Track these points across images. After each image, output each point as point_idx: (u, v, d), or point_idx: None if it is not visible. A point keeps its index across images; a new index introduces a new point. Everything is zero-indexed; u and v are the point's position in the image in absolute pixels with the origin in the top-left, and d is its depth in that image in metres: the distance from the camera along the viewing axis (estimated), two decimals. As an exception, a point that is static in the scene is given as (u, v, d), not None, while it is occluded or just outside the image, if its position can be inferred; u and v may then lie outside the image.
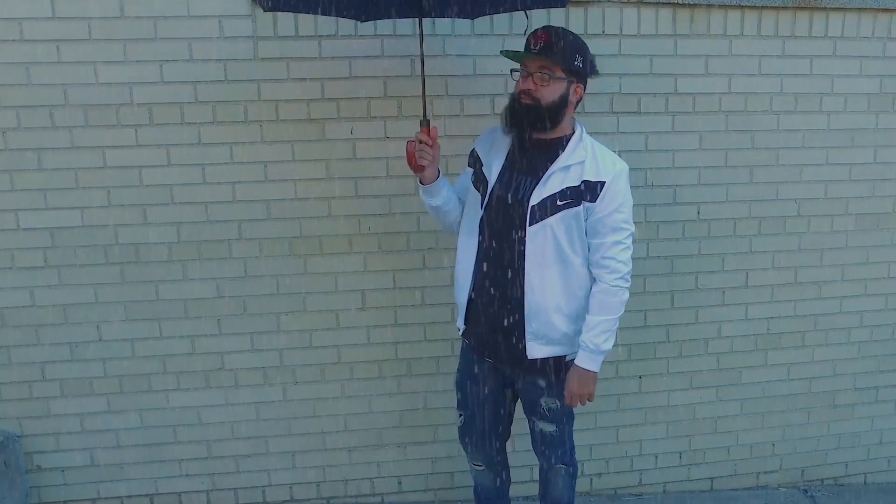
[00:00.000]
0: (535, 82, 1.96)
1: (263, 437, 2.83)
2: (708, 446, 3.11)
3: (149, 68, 2.44)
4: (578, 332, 2.07)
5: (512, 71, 2.08)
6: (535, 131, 2.01)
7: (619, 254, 2.00)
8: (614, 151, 2.12)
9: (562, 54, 1.94)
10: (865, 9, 2.72)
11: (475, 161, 2.19)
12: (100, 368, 2.68)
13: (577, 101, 2.03)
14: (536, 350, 2.09)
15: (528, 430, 2.34)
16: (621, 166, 2.03)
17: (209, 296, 2.66)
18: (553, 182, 2.00)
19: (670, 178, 2.78)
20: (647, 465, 3.10)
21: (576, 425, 2.96)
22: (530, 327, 2.07)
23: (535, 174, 2.02)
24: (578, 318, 2.08)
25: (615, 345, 2.89)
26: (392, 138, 2.56)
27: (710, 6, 2.65)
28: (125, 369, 2.69)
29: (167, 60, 2.45)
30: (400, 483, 2.96)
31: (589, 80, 2.06)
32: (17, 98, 2.42)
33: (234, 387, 2.76)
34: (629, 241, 2.03)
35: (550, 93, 1.95)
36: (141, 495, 2.82)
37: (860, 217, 2.94)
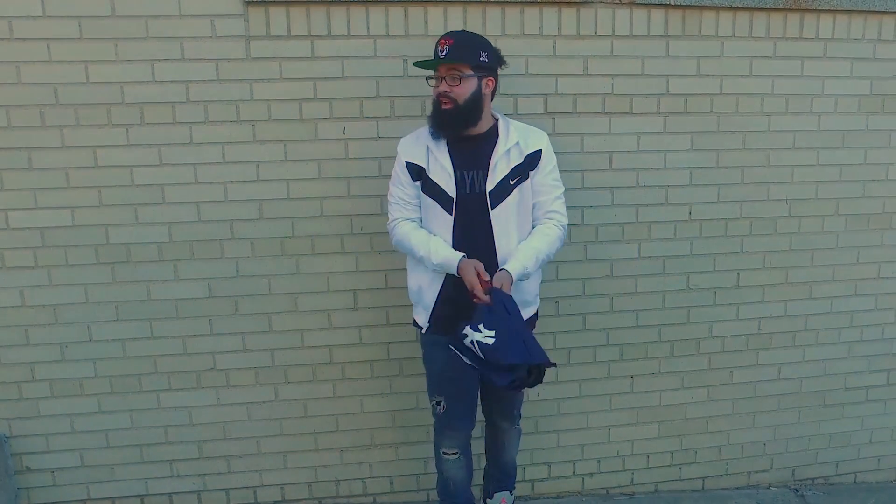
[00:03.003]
0: (448, 84, 2.13)
1: (255, 437, 2.82)
2: (699, 446, 3.13)
3: (140, 67, 2.44)
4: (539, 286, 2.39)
5: (427, 79, 2.22)
6: (463, 130, 2.19)
7: (560, 207, 2.30)
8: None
9: (466, 53, 2.13)
10: (856, 11, 2.74)
11: (418, 173, 2.23)
12: (90, 369, 2.67)
13: (492, 93, 2.23)
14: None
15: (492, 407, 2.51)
16: (542, 132, 2.31)
17: (201, 296, 2.65)
18: (500, 167, 2.20)
19: (662, 179, 2.79)
20: (639, 465, 3.10)
21: (568, 425, 3.00)
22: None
23: (482, 165, 2.21)
24: (539, 273, 2.35)
25: (606, 344, 2.93)
26: (384, 138, 2.56)
27: (701, 7, 2.66)
28: (116, 370, 2.68)
29: (159, 60, 2.44)
30: (392, 483, 2.96)
31: (499, 70, 2.24)
32: (7, 97, 2.41)
33: (225, 387, 2.75)
34: (563, 195, 2.32)
35: (464, 91, 2.14)
36: (131, 496, 2.81)
37: (851, 217, 2.96)
